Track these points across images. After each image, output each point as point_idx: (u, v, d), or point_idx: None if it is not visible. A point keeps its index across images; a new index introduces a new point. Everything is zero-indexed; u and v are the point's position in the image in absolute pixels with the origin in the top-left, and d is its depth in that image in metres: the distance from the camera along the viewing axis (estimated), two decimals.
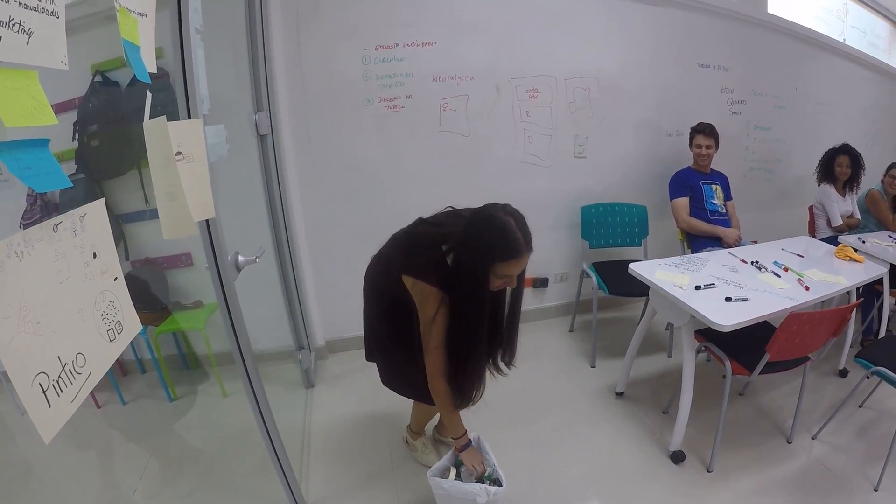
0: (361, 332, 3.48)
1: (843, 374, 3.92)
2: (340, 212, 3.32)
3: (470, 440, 2.28)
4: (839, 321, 2.75)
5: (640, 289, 3.08)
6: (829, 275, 3.30)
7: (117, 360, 2.84)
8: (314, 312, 3.40)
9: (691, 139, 3.95)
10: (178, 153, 1.31)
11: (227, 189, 2.50)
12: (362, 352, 3.38)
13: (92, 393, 2.71)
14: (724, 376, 2.74)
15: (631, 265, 3.06)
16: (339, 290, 3.39)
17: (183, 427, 2.82)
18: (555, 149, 3.83)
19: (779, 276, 3.17)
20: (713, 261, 3.28)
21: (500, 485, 2.21)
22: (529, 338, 3.62)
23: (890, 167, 4.68)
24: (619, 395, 3.39)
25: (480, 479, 2.24)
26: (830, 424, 3.28)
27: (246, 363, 1.84)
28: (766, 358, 2.60)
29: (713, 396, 3.27)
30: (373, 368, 3.18)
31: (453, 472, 2.25)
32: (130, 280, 2.81)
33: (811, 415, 3.41)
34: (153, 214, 2.67)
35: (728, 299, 2.74)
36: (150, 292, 2.75)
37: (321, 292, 3.41)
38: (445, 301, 2.01)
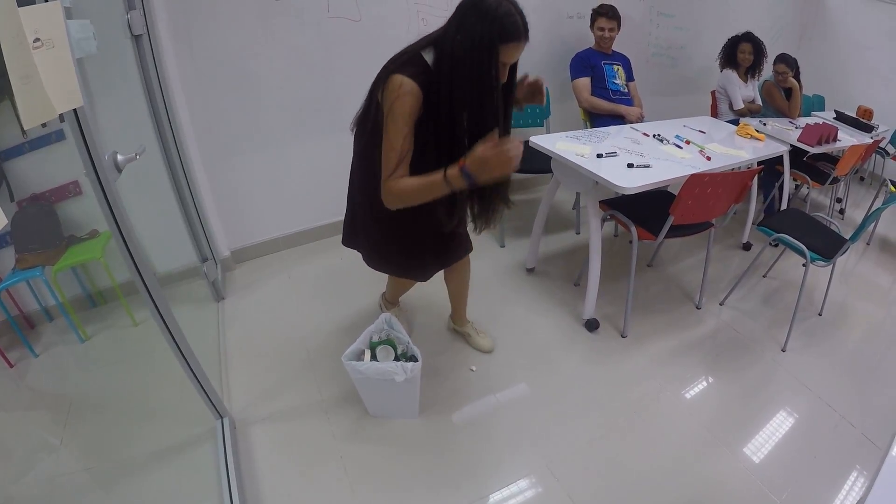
0: (267, 238, 3.36)
1: (747, 247, 4.05)
2: (231, 111, 3.01)
3: (460, 166, 1.65)
4: (741, 186, 2.75)
5: (544, 164, 3.00)
6: (731, 149, 3.34)
7: (23, 313, 2.54)
8: (214, 221, 3.15)
9: (593, 21, 3.84)
10: (37, 40, 1.21)
11: (100, 90, 2.26)
12: (270, 258, 3.29)
13: (2, 353, 2.42)
14: (631, 242, 2.73)
15: (532, 138, 2.94)
16: (238, 195, 3.16)
17: (98, 366, 2.63)
18: None
19: (681, 147, 3.16)
20: (615, 134, 3.23)
21: (416, 360, 2.14)
22: None
23: (775, 62, 4.76)
24: (530, 270, 3.36)
25: (397, 357, 2.17)
26: (737, 292, 3.40)
27: (146, 281, 1.66)
28: (671, 220, 2.59)
29: (623, 268, 3.32)
30: (282, 273, 3.11)
31: (368, 355, 2.15)
32: (19, 222, 2.49)
33: (718, 284, 3.53)
34: (33, 146, 2.37)
35: (630, 165, 2.70)
36: (42, 230, 2.50)
37: (220, 199, 3.15)
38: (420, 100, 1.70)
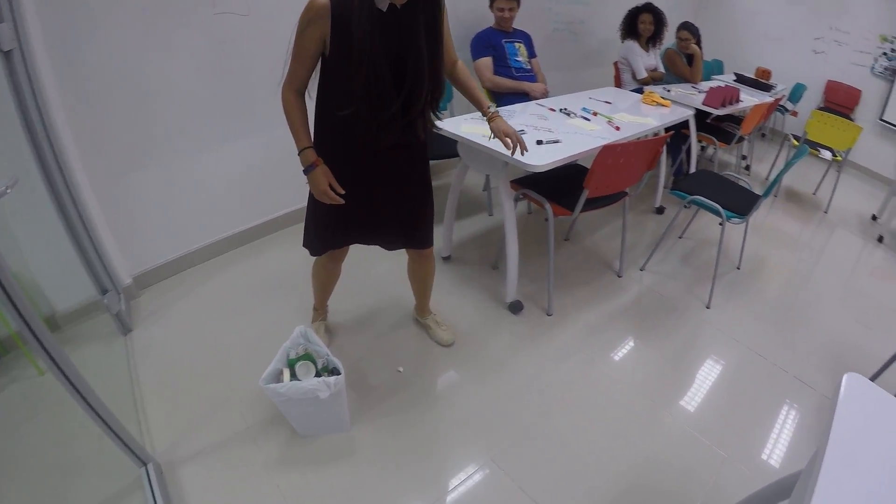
0: (170, 258, 3.10)
1: (660, 211, 4.14)
2: (120, 127, 2.73)
3: (314, 161, 1.87)
4: (652, 153, 2.77)
5: (450, 149, 2.92)
6: (639, 117, 3.37)
7: None
8: (111, 248, 2.86)
9: (492, 1, 3.80)
10: None
11: None
12: (176, 280, 3.04)
13: None
14: (547, 219, 2.69)
15: (436, 122, 2.87)
16: (135, 217, 2.88)
17: (6, 423, 2.37)
18: None
19: (588, 119, 3.16)
20: (521, 111, 3.19)
21: (339, 372, 2.02)
22: None
23: (678, 29, 4.88)
24: (446, 259, 3.27)
25: (318, 371, 2.04)
26: (655, 256, 3.47)
27: (33, 328, 1.47)
28: (586, 193, 2.57)
29: (540, 246, 3.34)
30: (190, 295, 2.88)
31: (286, 374, 2.00)
32: None
33: (636, 250, 3.58)
34: None
35: (539, 142, 2.66)
36: None
37: (115, 224, 2.86)
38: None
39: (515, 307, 2.84)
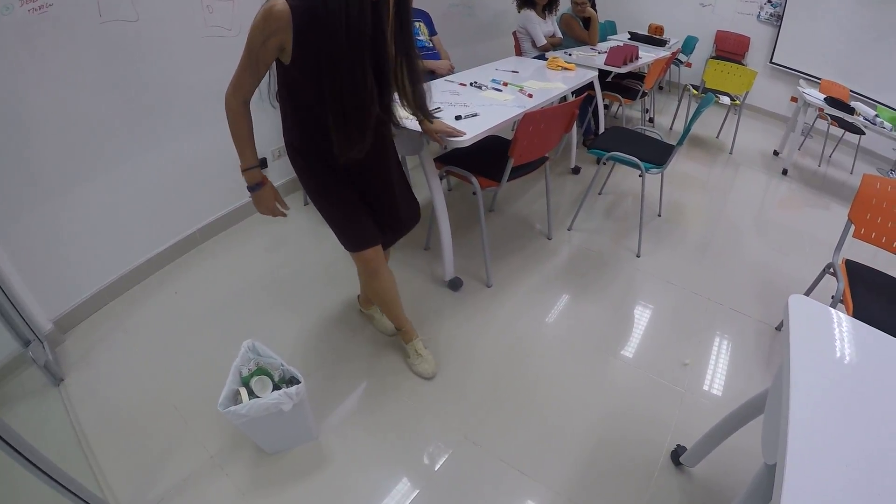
0: (89, 294, 2.87)
1: (577, 171, 4.27)
2: (5, 162, 2.56)
3: (261, 181, 1.85)
4: (569, 115, 2.82)
5: None
6: (547, 83, 3.43)
7: None
8: (23, 294, 2.61)
9: None
10: None
11: None
12: (99, 316, 2.78)
13: None
14: (475, 193, 2.71)
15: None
16: (42, 255, 2.58)
17: None
18: (240, 13, 3.26)
19: (500, 90, 3.19)
20: (432, 90, 3.18)
21: (298, 381, 1.95)
22: (265, 227, 3.36)
23: None
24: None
25: (276, 384, 1.96)
26: (580, 215, 3.56)
27: None
28: (511, 162, 2.60)
29: (467, 221, 3.37)
30: (117, 329, 2.66)
31: (244, 393, 1.91)
32: None
33: (560, 211, 3.67)
34: None
35: (458, 118, 2.67)
36: None
37: (22, 267, 2.63)
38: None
39: (455, 284, 2.85)
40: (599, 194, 3.98)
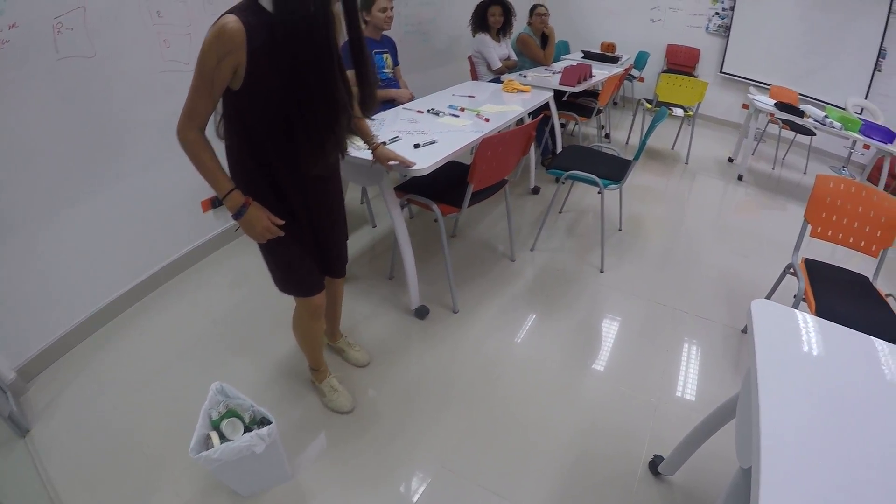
0: (51, 340, 2.75)
1: (536, 191, 4.35)
2: None
3: (245, 201, 1.69)
4: (526, 138, 2.89)
5: None
6: (503, 106, 3.49)
7: None
8: None
9: (371, 4, 3.62)
10: None
11: None
12: (64, 362, 2.67)
13: None
14: (436, 220, 2.74)
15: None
16: (2, 300, 2.60)
17: None
18: (197, 47, 3.29)
19: (457, 116, 3.24)
20: (390, 119, 3.20)
21: (269, 421, 1.91)
22: (229, 261, 3.34)
23: (533, 8, 5.11)
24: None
25: (247, 426, 1.92)
26: (542, 234, 3.62)
27: None
28: (471, 188, 2.63)
29: (430, 247, 3.39)
30: (83, 374, 2.59)
31: (215, 437, 1.86)
32: None
33: (522, 232, 3.71)
34: None
35: (417, 146, 2.70)
36: None
37: None
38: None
39: (422, 312, 2.85)
40: (560, 213, 4.04)
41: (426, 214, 3.25)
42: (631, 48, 7.43)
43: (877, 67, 7.26)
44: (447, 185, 2.80)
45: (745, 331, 2.91)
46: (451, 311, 2.91)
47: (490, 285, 3.14)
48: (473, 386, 2.46)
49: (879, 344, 1.43)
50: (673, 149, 6.16)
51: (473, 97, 3.71)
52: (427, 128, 2.99)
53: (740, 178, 5.60)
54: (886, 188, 5.82)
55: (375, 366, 2.57)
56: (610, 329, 2.88)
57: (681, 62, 7.74)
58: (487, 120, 3.13)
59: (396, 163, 2.34)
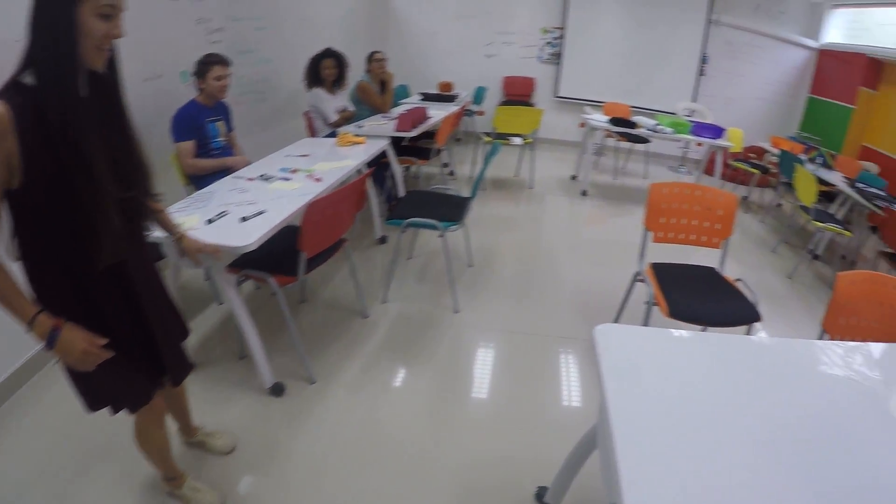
0: None
1: (383, 240, 4.36)
2: None
3: (56, 324, 1.42)
4: (358, 194, 2.87)
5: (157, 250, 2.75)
6: (337, 162, 3.49)
7: None
8: None
9: (205, 72, 3.51)
10: None
11: None
12: None
13: None
14: (274, 294, 2.65)
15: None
16: None
17: None
18: None
19: (289, 179, 3.19)
20: (220, 190, 3.05)
21: None
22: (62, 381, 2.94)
23: (371, 55, 5.21)
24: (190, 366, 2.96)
25: None
26: (393, 284, 3.61)
27: None
28: (304, 256, 2.58)
29: (281, 318, 3.16)
30: None
31: None
32: None
33: (373, 285, 3.67)
34: None
35: (244, 219, 2.61)
36: None
37: None
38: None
39: (277, 390, 2.71)
40: (409, 259, 4.06)
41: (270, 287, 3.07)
42: (469, 84, 7.74)
43: (701, 72, 8.05)
44: (284, 253, 2.70)
45: None
46: (308, 383, 2.78)
47: (346, 347, 3.06)
48: (347, 455, 2.36)
49: (718, 338, 1.57)
50: (517, 176, 6.43)
51: (307, 156, 3.67)
52: (257, 196, 2.90)
53: (584, 193, 5.93)
54: (723, 177, 6.41)
55: (242, 451, 2.39)
56: (474, 368, 2.90)
57: (518, 92, 8.16)
58: (319, 179, 3.10)
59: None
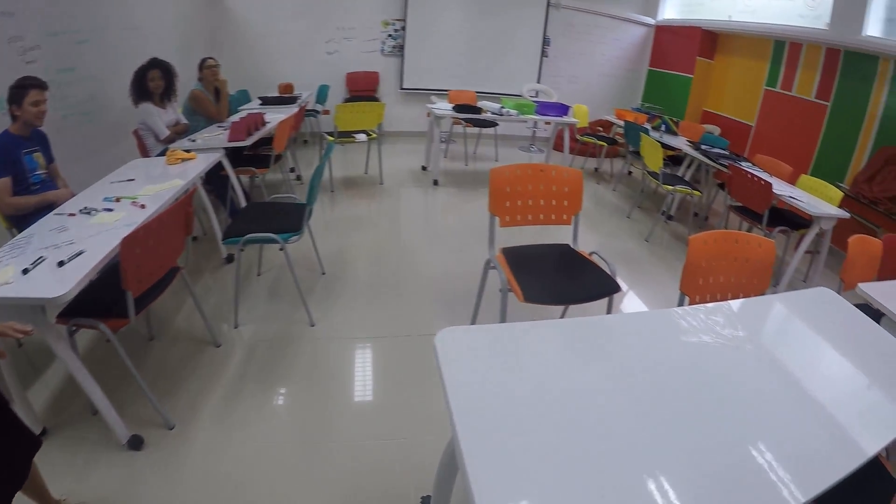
0: None
1: (230, 259, 4.15)
2: None
3: None
4: (182, 217, 2.72)
5: None
6: (165, 183, 3.31)
7: None
8: None
9: (22, 98, 3.16)
10: None
11: None
12: None
13: None
14: (108, 340, 2.42)
15: None
16: None
17: None
18: None
19: (112, 210, 2.99)
20: (38, 232, 2.75)
21: None
22: None
23: (203, 62, 4.96)
24: (42, 433, 2.57)
25: None
26: (242, 306, 3.45)
27: None
28: (131, 295, 2.38)
29: (132, 359, 2.92)
30: None
31: None
32: None
33: (224, 309, 3.47)
34: None
35: (61, 263, 2.38)
36: None
37: None
38: None
39: (135, 443, 2.50)
40: (259, 275, 3.91)
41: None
42: (311, 84, 7.61)
43: (543, 54, 8.40)
44: (114, 294, 2.45)
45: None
46: (166, 428, 2.59)
47: (202, 382, 2.87)
48: (235, 496, 2.25)
49: (569, 323, 1.67)
50: (366, 173, 6.42)
51: (133, 180, 3.45)
52: (77, 234, 2.65)
53: (436, 182, 6.03)
54: (572, 152, 6.78)
55: None
56: (339, 382, 2.85)
57: (362, 88, 8.12)
58: (143, 206, 2.92)
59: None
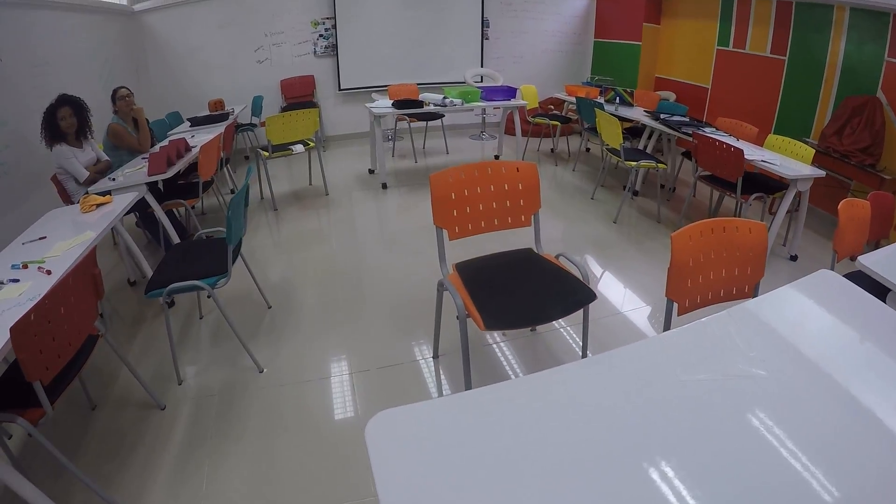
0: None
1: (171, 304, 3.76)
2: None
3: None
4: (89, 280, 2.41)
5: None
6: (77, 236, 2.98)
7: None
8: None
9: None
10: None
11: None
12: None
13: None
14: (31, 434, 2.11)
15: None
16: None
17: None
18: None
19: (19, 279, 2.67)
20: None
21: None
22: None
23: (114, 92, 4.59)
24: None
25: None
26: (184, 358, 3.16)
27: None
28: (38, 384, 2.04)
29: (68, 447, 2.63)
30: None
31: None
32: None
33: (168, 363, 3.10)
34: None
35: None
36: None
37: None
38: None
39: None
40: (201, 318, 3.57)
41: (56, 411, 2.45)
42: (245, 97, 7.27)
43: (484, 36, 8.15)
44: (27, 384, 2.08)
45: (435, 356, 2.86)
46: None
47: (148, 453, 2.55)
48: None
49: (528, 381, 1.43)
50: (311, 184, 6.11)
51: (45, 238, 3.10)
52: None
53: (384, 185, 5.77)
54: (524, 134, 6.57)
55: None
56: (295, 436, 2.56)
57: (298, 94, 7.77)
58: (49, 272, 2.60)
59: None
